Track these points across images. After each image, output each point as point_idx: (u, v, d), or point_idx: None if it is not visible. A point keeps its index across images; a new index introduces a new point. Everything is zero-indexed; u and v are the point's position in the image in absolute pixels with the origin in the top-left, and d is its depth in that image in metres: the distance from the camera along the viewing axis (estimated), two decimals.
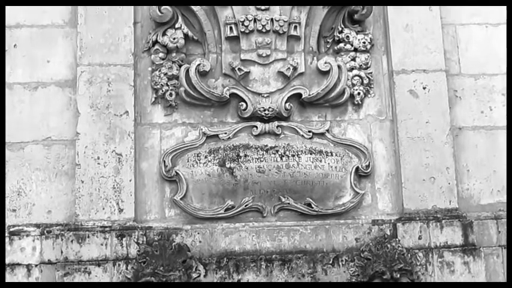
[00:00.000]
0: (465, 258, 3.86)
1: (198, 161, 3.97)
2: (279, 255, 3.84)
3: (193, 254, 3.81)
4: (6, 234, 3.85)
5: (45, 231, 3.86)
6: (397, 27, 4.16)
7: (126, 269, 3.74)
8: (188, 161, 3.97)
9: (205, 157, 3.98)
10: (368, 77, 4.16)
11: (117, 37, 4.01)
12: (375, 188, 4.08)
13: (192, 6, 4.05)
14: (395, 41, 4.15)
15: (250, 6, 4.04)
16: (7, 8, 4.07)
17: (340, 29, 4.16)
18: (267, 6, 4.04)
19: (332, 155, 4.03)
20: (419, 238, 3.91)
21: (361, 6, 4.12)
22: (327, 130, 4.09)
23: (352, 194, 4.03)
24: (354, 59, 4.15)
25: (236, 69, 4.04)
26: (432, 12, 4.17)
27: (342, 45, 4.16)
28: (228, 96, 4.04)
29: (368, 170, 4.05)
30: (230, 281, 3.75)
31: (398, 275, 3.78)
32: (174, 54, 4.04)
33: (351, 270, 3.81)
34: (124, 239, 3.78)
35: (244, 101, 4.05)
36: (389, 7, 4.16)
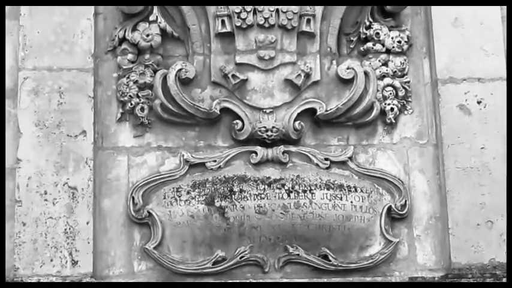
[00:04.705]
0: None
1: (178, 198, 3.94)
2: None
3: None
4: None
5: None
6: (443, 21, 4.16)
7: None
8: (165, 198, 3.95)
9: (188, 193, 3.94)
10: (404, 88, 4.13)
11: (72, 33, 4.00)
12: (413, 235, 4.03)
13: None
14: (441, 40, 4.13)
15: None
16: None
17: (367, 23, 4.15)
18: None
19: (356, 190, 4.00)
20: None
21: None
22: (350, 158, 4.06)
23: (383, 243, 3.98)
24: (385, 64, 4.13)
25: (229, 76, 4.01)
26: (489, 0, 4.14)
27: (370, 45, 4.14)
28: (219, 112, 4.02)
29: (404, 211, 4.01)
30: None
31: None
32: (147, 56, 4.03)
33: None
34: None
35: (239, 118, 4.02)
36: None
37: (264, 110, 4.00)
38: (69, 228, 3.78)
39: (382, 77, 4.09)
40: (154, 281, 3.89)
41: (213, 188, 3.91)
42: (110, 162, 3.97)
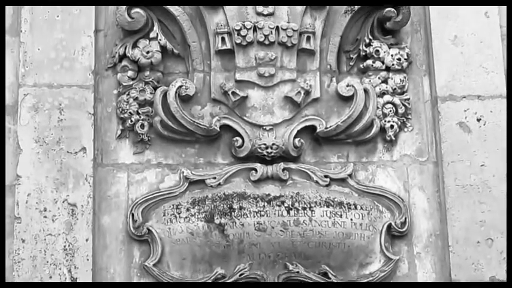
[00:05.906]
0: None
1: (177, 215, 3.93)
2: None
3: None
4: None
5: None
6: (442, 39, 4.14)
7: None
8: (165, 215, 3.93)
9: (188, 210, 3.92)
10: (404, 105, 4.11)
11: (72, 49, 3.99)
12: (414, 253, 4.01)
13: (173, 10, 4.06)
14: (441, 58, 4.12)
15: (248, 11, 4.05)
16: None
17: (367, 41, 4.13)
18: (270, 11, 4.06)
19: (356, 208, 3.98)
20: None
21: (395, 12, 4.10)
22: (350, 175, 4.04)
23: (383, 261, 3.96)
24: (385, 81, 4.12)
25: (229, 93, 4.00)
26: (489, 19, 4.15)
27: (369, 62, 4.12)
28: (219, 129, 4.00)
29: (404, 229, 3.98)
30: None
31: None
32: (147, 73, 4.02)
33: None
34: None
35: (239, 135, 4.00)
36: (432, 13, 4.19)
37: (264, 127, 4.01)
38: (69, 245, 3.78)
39: (382, 94, 4.10)
40: None
41: (212, 205, 3.92)
42: (110, 179, 3.97)
